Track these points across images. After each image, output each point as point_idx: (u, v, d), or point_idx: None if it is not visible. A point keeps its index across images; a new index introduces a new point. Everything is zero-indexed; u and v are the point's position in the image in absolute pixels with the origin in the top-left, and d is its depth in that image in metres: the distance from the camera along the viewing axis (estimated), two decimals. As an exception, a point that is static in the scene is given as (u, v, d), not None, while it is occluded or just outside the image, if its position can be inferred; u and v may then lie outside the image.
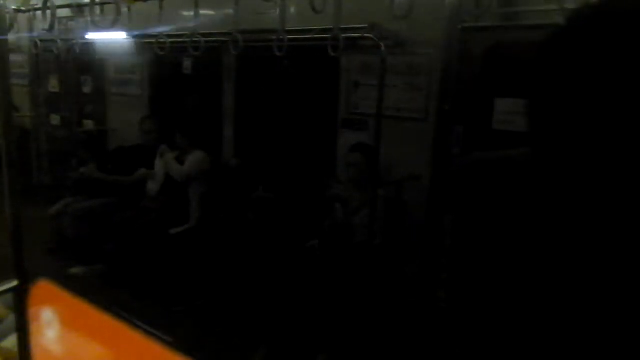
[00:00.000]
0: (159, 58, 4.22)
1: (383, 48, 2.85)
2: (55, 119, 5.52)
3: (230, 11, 2.63)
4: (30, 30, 3.87)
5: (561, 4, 2.04)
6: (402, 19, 2.35)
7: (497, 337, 0.73)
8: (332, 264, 2.87)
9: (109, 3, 2.48)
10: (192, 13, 2.70)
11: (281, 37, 2.50)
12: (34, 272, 1.38)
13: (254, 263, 3.15)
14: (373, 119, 2.95)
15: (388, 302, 2.70)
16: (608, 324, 0.59)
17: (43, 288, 1.39)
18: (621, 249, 0.57)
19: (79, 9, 3.40)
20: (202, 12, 2.77)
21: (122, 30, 3.48)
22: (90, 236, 3.85)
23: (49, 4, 2.34)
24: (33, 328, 1.37)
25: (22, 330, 1.35)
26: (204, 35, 2.97)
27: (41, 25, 2.84)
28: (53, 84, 5.46)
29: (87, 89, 5.22)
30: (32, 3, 2.79)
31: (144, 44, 3.75)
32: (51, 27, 2.32)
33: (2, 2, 1.28)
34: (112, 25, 2.23)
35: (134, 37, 3.69)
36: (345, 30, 2.48)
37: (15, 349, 1.39)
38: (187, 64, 3.95)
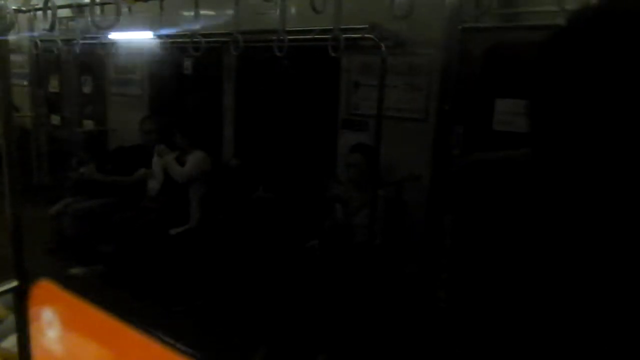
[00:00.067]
0: (160, 58, 4.24)
1: (383, 48, 2.85)
2: (55, 119, 5.53)
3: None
4: (31, 30, 3.87)
5: (561, 5, 2.04)
6: (402, 19, 2.35)
7: (497, 337, 0.73)
8: (332, 264, 2.87)
9: (109, 3, 2.48)
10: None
11: (281, 37, 2.50)
12: (34, 272, 1.38)
13: (254, 263, 3.15)
14: (373, 119, 2.95)
15: (388, 302, 2.70)
16: (608, 324, 0.59)
17: (43, 288, 1.39)
18: (621, 249, 0.57)
19: (79, 9, 3.40)
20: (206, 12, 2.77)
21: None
22: (90, 236, 3.85)
23: (49, 4, 2.33)
24: (33, 328, 1.37)
25: (22, 330, 1.35)
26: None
27: (41, 25, 2.84)
28: (53, 84, 5.47)
29: (87, 89, 5.22)
30: (32, 3, 2.79)
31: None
32: (52, 27, 2.31)
33: (2, 2, 1.28)
34: (113, 26, 2.23)
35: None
36: (346, 30, 2.48)
37: (15, 350, 1.39)
38: (187, 64, 3.95)
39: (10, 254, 1.32)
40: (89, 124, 5.20)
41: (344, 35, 2.41)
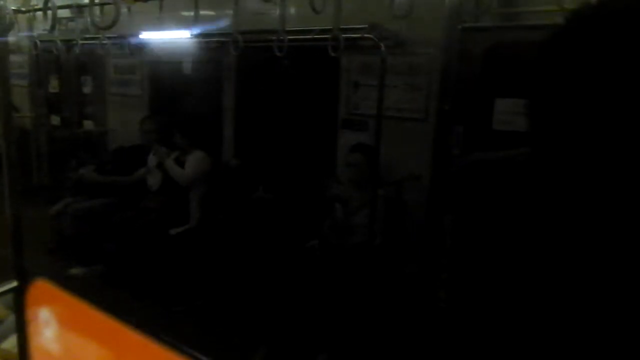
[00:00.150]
0: (159, 58, 4.24)
1: (383, 48, 2.85)
2: (55, 120, 5.52)
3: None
4: (30, 30, 3.87)
5: (561, 4, 2.04)
6: (402, 19, 2.35)
7: (497, 337, 0.73)
8: (332, 264, 2.87)
9: (109, 4, 2.47)
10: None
11: (281, 37, 2.50)
12: (34, 273, 1.38)
13: (254, 263, 3.15)
14: (373, 119, 2.95)
15: (388, 302, 2.70)
16: (608, 324, 0.59)
17: (43, 288, 1.39)
18: (621, 249, 0.57)
19: (78, 9, 3.40)
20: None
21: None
22: (90, 236, 3.86)
23: (49, 5, 2.33)
24: (33, 329, 1.37)
25: (22, 330, 1.35)
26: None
27: (41, 25, 2.83)
28: (53, 84, 5.47)
29: (87, 89, 5.22)
30: (32, 3, 2.79)
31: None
32: (52, 28, 2.31)
33: (2, 2, 1.28)
34: (112, 26, 2.23)
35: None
36: (345, 30, 2.48)
37: (15, 350, 1.39)
38: (187, 64, 3.94)
39: (10, 254, 1.32)
40: (88, 124, 5.20)
41: (344, 35, 2.41)
